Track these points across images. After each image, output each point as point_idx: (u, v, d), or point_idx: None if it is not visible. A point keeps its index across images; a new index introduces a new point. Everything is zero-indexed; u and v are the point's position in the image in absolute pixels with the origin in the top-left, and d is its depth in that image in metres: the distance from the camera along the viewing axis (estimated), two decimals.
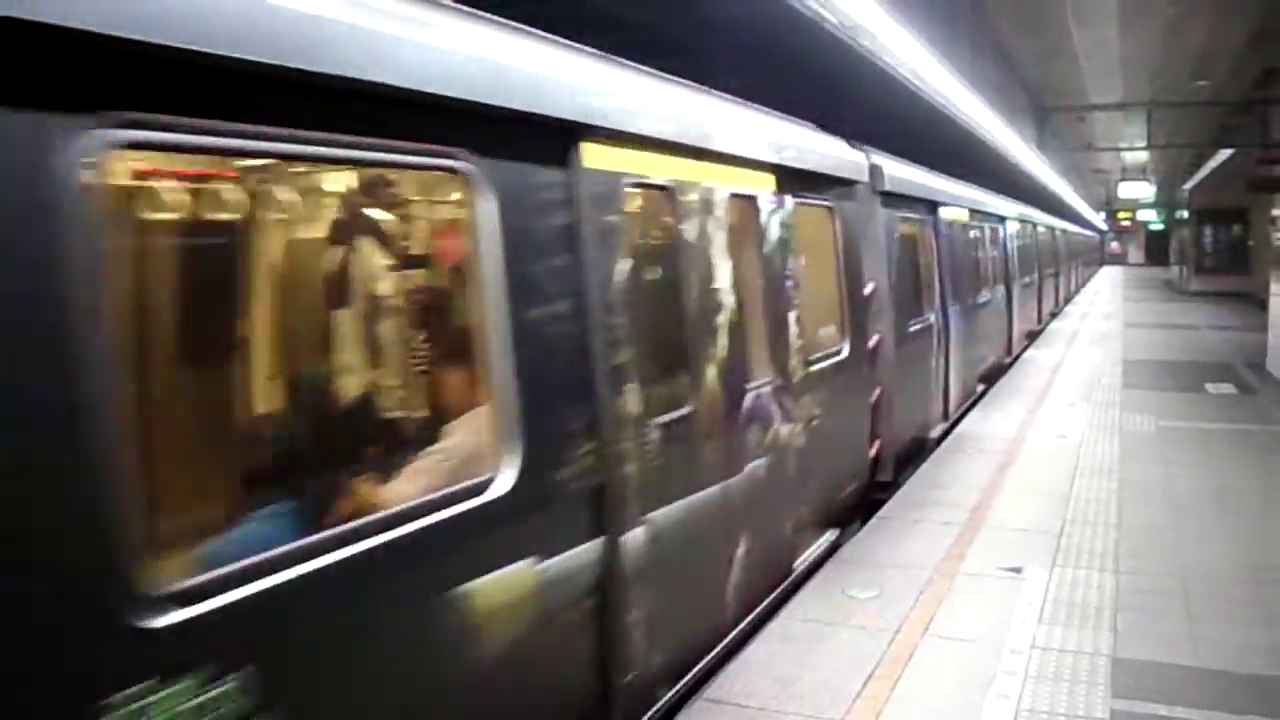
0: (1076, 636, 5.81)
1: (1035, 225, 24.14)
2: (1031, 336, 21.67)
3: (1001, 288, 17.00)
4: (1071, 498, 8.80)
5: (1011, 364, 17.60)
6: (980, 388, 14.57)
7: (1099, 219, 64.08)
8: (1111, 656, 5.54)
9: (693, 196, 5.18)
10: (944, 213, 12.09)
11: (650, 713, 4.63)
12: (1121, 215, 64.57)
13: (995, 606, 6.27)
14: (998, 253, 17.08)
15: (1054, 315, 27.55)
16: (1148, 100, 20.90)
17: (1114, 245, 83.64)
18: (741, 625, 5.67)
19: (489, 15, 3.74)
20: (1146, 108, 21.29)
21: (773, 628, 5.96)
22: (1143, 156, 32.12)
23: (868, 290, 8.73)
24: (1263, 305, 18.94)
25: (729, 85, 6.09)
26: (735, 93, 6.30)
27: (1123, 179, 37.62)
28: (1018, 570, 6.93)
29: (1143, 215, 61.79)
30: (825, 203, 7.53)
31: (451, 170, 3.46)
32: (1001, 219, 17.65)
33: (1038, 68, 18.80)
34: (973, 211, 14.26)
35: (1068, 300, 33.06)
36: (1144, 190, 39.23)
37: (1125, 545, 7.48)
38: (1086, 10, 14.11)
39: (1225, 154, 26.65)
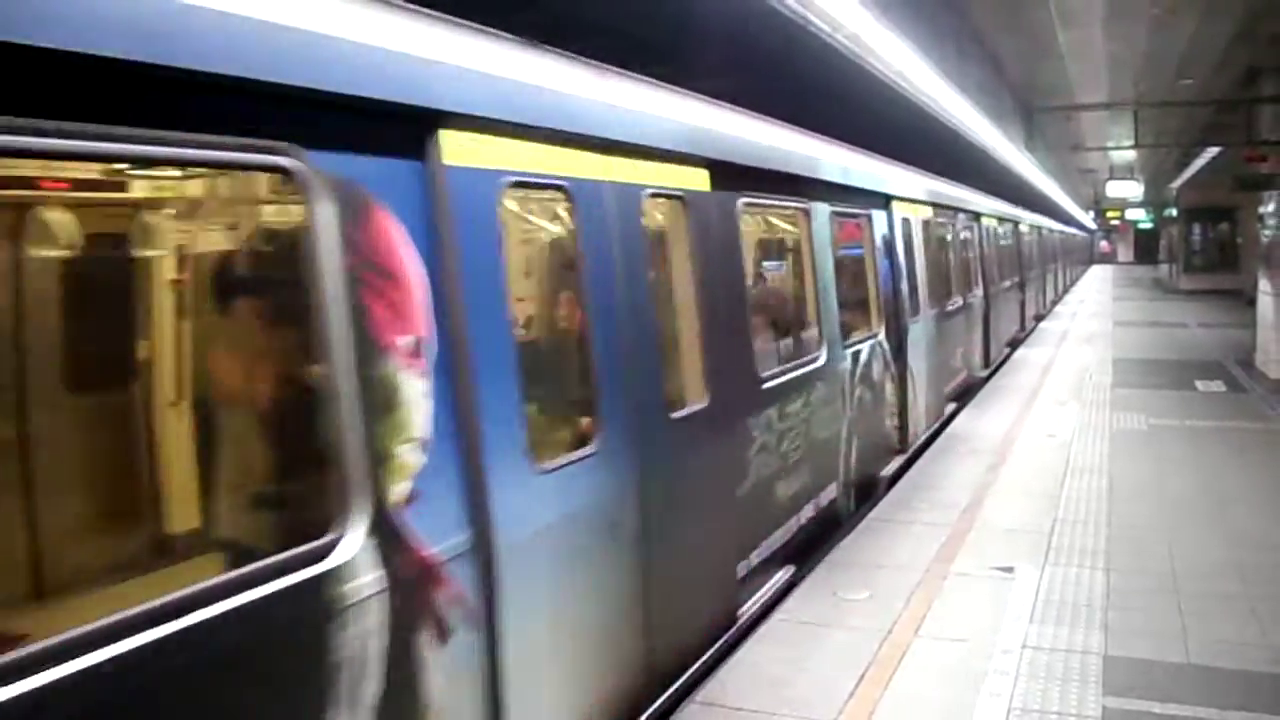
0: (1068, 635, 5.82)
1: (979, 217, 16.64)
2: (969, 391, 14.47)
3: (870, 335, 9.38)
4: (1062, 497, 8.80)
5: (889, 487, 9.47)
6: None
7: (1088, 218, 64.22)
8: (1103, 654, 5.55)
9: None
10: (507, 156, 4.03)
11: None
12: (1110, 214, 64.70)
13: (987, 606, 6.27)
14: (880, 266, 9.85)
15: (1014, 346, 20.40)
16: (1134, 100, 20.93)
17: (1103, 244, 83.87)
18: None
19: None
20: (1133, 107, 21.31)
21: (765, 630, 5.96)
22: (1130, 155, 32.22)
23: None
24: (1251, 303, 18.99)
25: (713, 88, 6.07)
26: (721, 95, 6.29)
27: (1111, 178, 37.71)
28: (1009, 570, 6.93)
29: (1131, 214, 61.90)
30: None
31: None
32: (886, 201, 10.34)
33: (1024, 68, 18.83)
34: (752, 177, 6.55)
35: (1039, 316, 27.47)
36: (1132, 189, 39.31)
37: (1116, 544, 7.49)
38: (1071, 10, 14.13)
39: (1212, 152, 26.73)
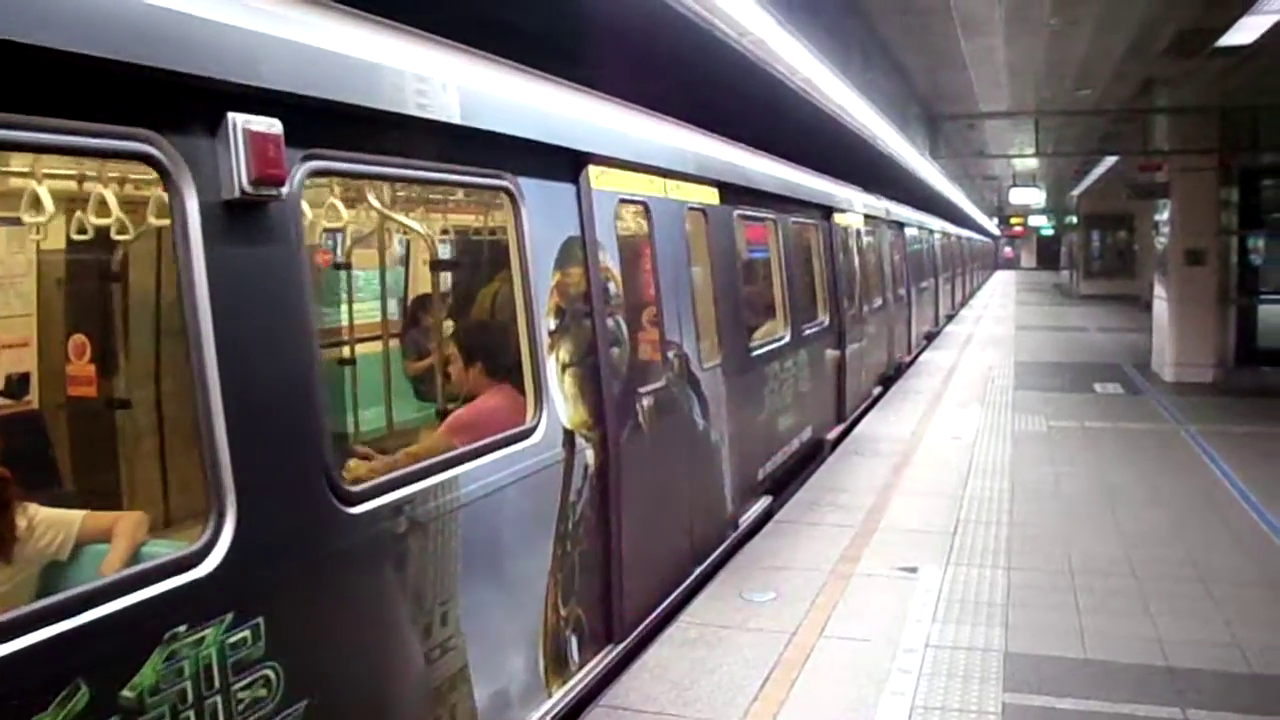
0: (970, 633, 5.90)
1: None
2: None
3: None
4: (965, 497, 8.95)
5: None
6: None
7: (992, 224, 65.61)
8: (1003, 652, 5.64)
9: None
10: None
11: None
12: (1013, 220, 66.09)
13: (891, 606, 6.34)
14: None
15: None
16: (1035, 108, 21.39)
17: (1007, 250, 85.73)
18: None
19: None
20: (1033, 116, 21.77)
21: (670, 632, 5.94)
22: (1033, 163, 32.89)
23: None
24: (1148, 308, 19.56)
25: (614, 89, 6.06)
26: (631, 99, 6.29)
27: (1014, 185, 38.51)
28: (913, 570, 7.01)
29: (1034, 221, 63.31)
30: None
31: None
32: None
33: (929, 78, 19.14)
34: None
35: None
36: (1034, 196, 40.18)
37: (1017, 543, 7.63)
38: (973, 21, 14.39)
39: (1110, 161, 27.45)
